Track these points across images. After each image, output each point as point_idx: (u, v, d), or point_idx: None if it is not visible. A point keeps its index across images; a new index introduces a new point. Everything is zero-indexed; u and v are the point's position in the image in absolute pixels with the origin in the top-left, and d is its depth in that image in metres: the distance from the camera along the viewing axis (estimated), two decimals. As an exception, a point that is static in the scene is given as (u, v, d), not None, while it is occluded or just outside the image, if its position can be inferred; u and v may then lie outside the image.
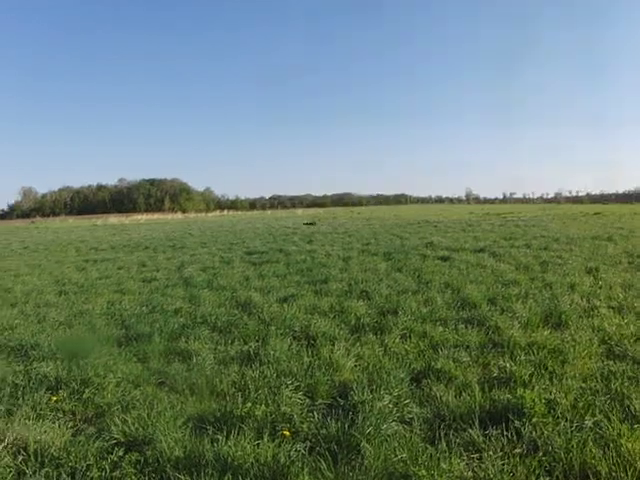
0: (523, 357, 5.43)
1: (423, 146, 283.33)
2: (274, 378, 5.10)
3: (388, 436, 3.89)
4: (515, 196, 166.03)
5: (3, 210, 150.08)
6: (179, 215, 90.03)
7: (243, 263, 14.10)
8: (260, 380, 5.06)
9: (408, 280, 10.00)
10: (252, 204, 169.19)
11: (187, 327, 6.98)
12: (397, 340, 6.19)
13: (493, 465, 3.50)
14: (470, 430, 3.95)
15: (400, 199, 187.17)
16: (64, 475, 3.55)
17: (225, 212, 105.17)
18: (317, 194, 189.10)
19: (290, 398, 4.58)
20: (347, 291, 9.15)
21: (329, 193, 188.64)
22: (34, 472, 3.61)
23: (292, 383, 4.89)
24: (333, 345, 5.99)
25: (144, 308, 8.41)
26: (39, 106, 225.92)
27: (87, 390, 4.94)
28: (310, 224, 31.27)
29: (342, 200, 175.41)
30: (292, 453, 3.69)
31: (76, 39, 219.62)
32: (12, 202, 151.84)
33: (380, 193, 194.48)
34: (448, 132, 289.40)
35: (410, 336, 6.35)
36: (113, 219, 73.08)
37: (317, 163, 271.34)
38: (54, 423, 4.36)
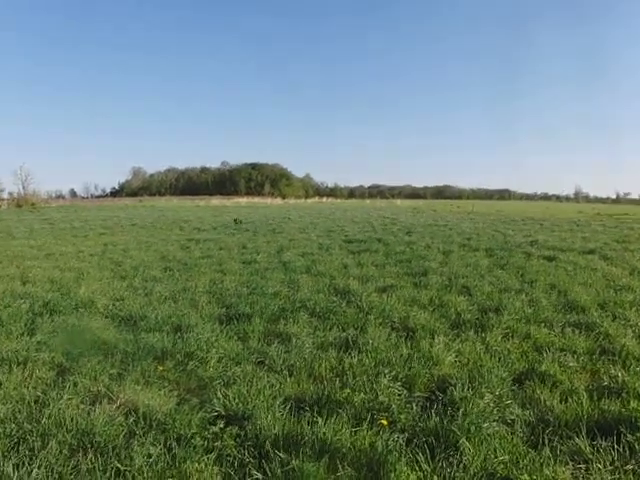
0: (638, 368, 5.09)
1: (532, 141, 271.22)
2: (372, 367, 5.08)
3: (488, 435, 3.77)
4: (630, 196, 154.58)
5: (114, 188, 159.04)
6: (278, 200, 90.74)
7: (341, 251, 14.16)
8: (358, 367, 5.06)
9: (511, 278, 9.66)
10: (351, 193, 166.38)
11: (286, 310, 7.12)
12: (499, 339, 5.99)
13: (602, 478, 3.31)
14: (576, 438, 3.76)
15: (503, 194, 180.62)
16: (171, 440, 3.73)
17: (324, 199, 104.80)
18: (417, 185, 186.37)
19: (388, 388, 4.55)
20: (447, 285, 8.97)
21: (429, 185, 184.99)
22: (143, 433, 3.82)
23: (390, 373, 4.85)
24: (432, 338, 5.90)
25: (244, 289, 8.65)
26: (149, 91, 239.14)
27: (191, 363, 5.15)
28: (237, 221, 26.64)
29: (442, 192, 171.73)
30: (390, 442, 3.67)
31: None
32: (123, 181, 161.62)
33: (482, 187, 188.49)
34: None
35: (512, 336, 6.13)
36: (215, 201, 75.44)
37: (417, 153, 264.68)
38: (160, 390, 4.56)
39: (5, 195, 72.72)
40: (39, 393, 4.47)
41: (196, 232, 20.94)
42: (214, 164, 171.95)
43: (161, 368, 5.06)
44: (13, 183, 76.72)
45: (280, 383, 4.73)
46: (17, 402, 4.32)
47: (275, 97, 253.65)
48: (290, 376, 4.91)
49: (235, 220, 26.33)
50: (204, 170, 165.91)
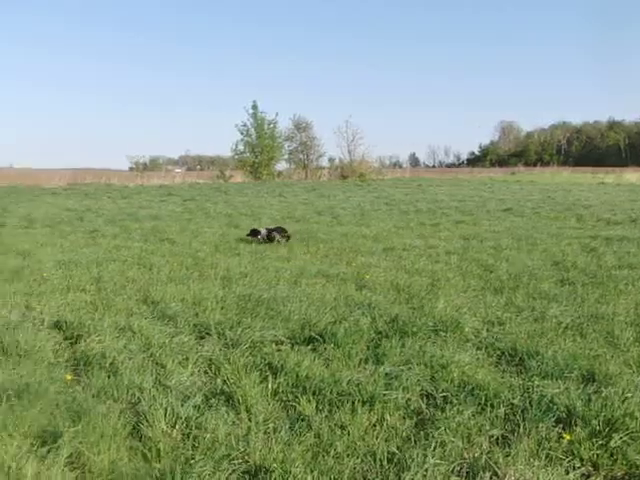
0: None
1: None
2: None
3: None
4: None
5: (473, 153, 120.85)
6: None
7: None
8: None
9: None
10: None
11: None
12: None
13: None
14: None
15: None
16: None
17: None
18: None
19: None
20: None
21: None
22: None
23: None
24: None
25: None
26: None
27: (615, 436, 3.29)
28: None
29: None
30: None
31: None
32: (486, 143, 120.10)
33: None
34: None
35: None
36: (630, 175, 47.19)
37: None
38: (568, 474, 3.02)
39: (325, 161, 58.16)
40: (393, 449, 3.29)
41: (604, 225, 14.41)
42: (630, 116, 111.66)
43: (568, 437, 3.35)
44: (336, 145, 62.74)
45: None
46: (365, 456, 3.20)
47: None
48: None
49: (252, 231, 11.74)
50: (613, 126, 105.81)
